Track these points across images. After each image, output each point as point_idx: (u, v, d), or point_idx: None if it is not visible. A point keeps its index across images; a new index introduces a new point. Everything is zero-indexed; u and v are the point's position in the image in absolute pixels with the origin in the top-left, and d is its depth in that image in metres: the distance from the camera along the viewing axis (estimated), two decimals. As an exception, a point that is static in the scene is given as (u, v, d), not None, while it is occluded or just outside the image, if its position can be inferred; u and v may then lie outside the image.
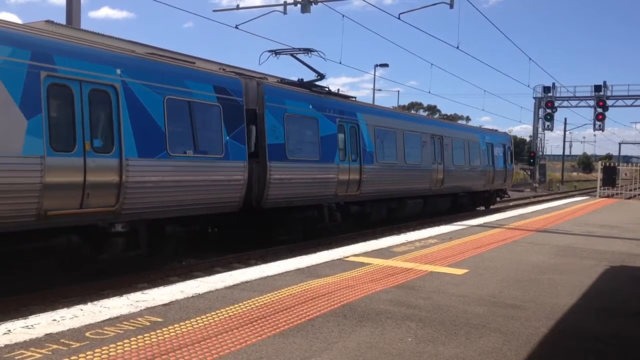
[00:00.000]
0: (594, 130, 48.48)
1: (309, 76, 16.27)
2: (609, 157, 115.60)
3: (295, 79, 16.16)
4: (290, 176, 13.75)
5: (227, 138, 11.96)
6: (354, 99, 18.27)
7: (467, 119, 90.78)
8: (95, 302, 5.71)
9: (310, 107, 14.92)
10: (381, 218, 18.48)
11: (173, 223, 11.15)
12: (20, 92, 8.27)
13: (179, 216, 11.10)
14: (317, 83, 16.20)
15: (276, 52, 15.86)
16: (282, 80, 15.87)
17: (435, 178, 21.04)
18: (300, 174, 14.12)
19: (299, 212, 14.59)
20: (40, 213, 8.47)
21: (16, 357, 4.07)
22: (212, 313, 5.40)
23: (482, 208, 26.62)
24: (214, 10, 74.12)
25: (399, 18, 20.56)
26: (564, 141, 74.81)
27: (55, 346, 4.31)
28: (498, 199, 28.89)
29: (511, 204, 30.26)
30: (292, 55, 16.14)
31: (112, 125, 9.61)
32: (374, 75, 48.31)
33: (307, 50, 15.69)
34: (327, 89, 16.50)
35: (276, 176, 13.20)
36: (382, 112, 19.61)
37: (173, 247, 11.59)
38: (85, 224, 9.38)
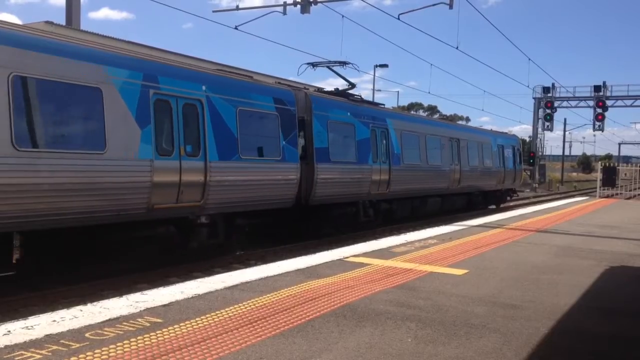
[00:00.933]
0: (594, 131, 48.43)
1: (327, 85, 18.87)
2: (608, 157, 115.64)
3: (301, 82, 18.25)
4: (333, 176, 15.31)
5: (284, 143, 13.71)
6: (382, 105, 20.28)
7: (467, 119, 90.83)
8: (95, 303, 5.71)
9: (348, 114, 16.61)
10: (406, 215, 19.87)
11: (241, 216, 13.02)
12: (135, 107, 10.12)
13: (245, 211, 12.95)
14: (349, 92, 18.00)
15: (314, 65, 17.49)
16: (320, 90, 17.64)
17: (453, 178, 22.43)
18: (341, 174, 15.69)
19: (339, 209, 16.11)
20: (149, 207, 10.35)
21: (16, 358, 4.07)
22: (212, 314, 5.40)
23: (494, 206, 27.88)
24: (213, 11, 74.23)
25: (398, 18, 20.59)
26: (564, 141, 74.93)
27: (55, 347, 4.31)
28: (508, 197, 30.20)
29: (511, 204, 30.58)
30: (328, 67, 17.75)
31: (199, 133, 11.45)
32: (374, 75, 48.28)
33: (343, 63, 17.40)
34: (360, 97, 18.13)
35: (322, 176, 14.78)
36: (407, 117, 22.30)
37: (241, 236, 13.47)
38: (179, 216, 11.32)
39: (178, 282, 7.90)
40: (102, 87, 9.62)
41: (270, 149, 13.37)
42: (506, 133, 31.73)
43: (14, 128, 8.28)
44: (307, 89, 16.24)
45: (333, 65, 17.64)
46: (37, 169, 8.60)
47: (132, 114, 10.07)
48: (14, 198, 8.28)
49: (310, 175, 14.49)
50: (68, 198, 9.05)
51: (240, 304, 5.77)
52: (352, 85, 18.17)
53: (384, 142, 17.94)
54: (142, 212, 10.30)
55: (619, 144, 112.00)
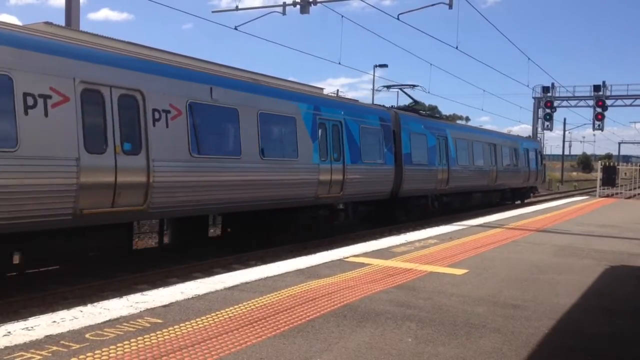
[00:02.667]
0: (594, 130, 48.48)
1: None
2: (608, 156, 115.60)
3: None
4: (414, 175, 19.79)
5: (385, 150, 18.28)
6: (443, 119, 25.48)
7: (467, 119, 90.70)
8: (95, 304, 5.71)
9: (422, 127, 21.04)
10: (457, 206, 24.16)
11: (361, 204, 17.90)
12: (310, 128, 14.77)
13: (362, 200, 17.64)
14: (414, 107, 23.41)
15: (388, 87, 24.77)
16: (394, 107, 21.71)
17: (491, 177, 26.90)
18: (419, 173, 20.18)
19: (416, 201, 20.78)
20: (316, 196, 14.94)
21: (16, 359, 4.07)
22: (212, 314, 5.40)
23: (519, 202, 31.90)
24: (213, 12, 74.17)
25: (397, 19, 20.60)
26: (564, 141, 74.96)
27: (55, 348, 4.31)
28: (531, 194, 34.83)
29: (510, 203, 31.35)
30: (400, 89, 23.92)
31: (340, 144, 15.97)
32: (373, 75, 48.28)
33: (413, 86, 23.47)
34: (425, 113, 23.27)
35: (407, 175, 19.31)
36: (459, 127, 27.46)
37: (359, 219, 18.31)
38: (329, 203, 15.99)
39: (178, 282, 7.89)
40: (296, 116, 14.34)
41: (378, 155, 17.91)
42: (530, 137, 38.55)
43: (261, 144, 13.04)
44: (393, 106, 21.79)
45: (404, 87, 23.32)
46: (267, 170, 13.23)
47: (309, 132, 14.71)
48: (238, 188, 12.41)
49: (399, 175, 18.87)
50: (276, 189, 13.46)
51: (240, 305, 5.76)
52: (416, 102, 24.08)
53: (445, 148, 22.24)
54: (312, 200, 14.87)
55: (619, 144, 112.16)
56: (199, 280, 7.06)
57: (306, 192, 14.45)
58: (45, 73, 8.81)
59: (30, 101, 8.54)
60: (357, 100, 19.81)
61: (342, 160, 15.87)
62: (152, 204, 10.25)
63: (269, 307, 5.69)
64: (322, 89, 39.98)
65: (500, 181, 27.92)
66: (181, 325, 5.01)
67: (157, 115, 10.50)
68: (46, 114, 8.72)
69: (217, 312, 5.46)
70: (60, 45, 9.37)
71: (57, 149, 8.84)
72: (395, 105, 23.85)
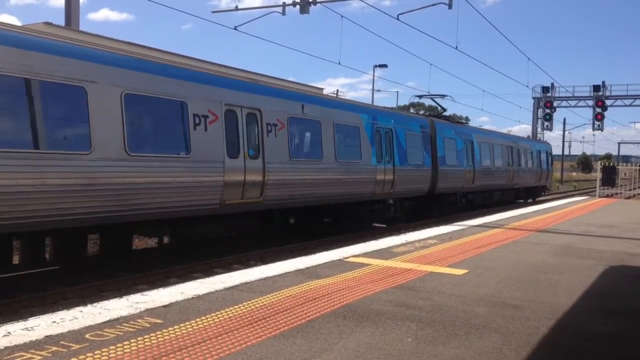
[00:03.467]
0: (593, 130, 48.51)
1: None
2: (608, 156, 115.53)
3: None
4: (447, 175, 22.71)
5: (424, 153, 21.24)
6: (467, 124, 27.55)
7: (467, 119, 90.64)
8: (95, 304, 5.71)
9: (452, 132, 23.98)
10: (480, 203, 26.95)
11: (406, 200, 20.71)
12: (369, 135, 17.72)
13: (406, 197, 20.45)
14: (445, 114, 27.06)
15: (420, 97, 30.10)
16: (431, 115, 25.69)
17: (509, 177, 29.68)
18: (451, 173, 23.15)
19: (448, 197, 23.80)
20: (374, 192, 17.99)
21: (16, 359, 4.07)
22: (212, 314, 5.40)
23: (530, 200, 34.13)
24: (212, 12, 74.19)
25: (397, 19, 20.61)
26: (563, 141, 74.97)
27: (55, 348, 4.31)
28: (543, 193, 37.90)
29: (523, 201, 33.18)
30: (431, 98, 27.54)
31: (391, 148, 18.96)
32: (373, 75, 48.29)
33: (443, 96, 27.23)
34: (453, 119, 26.92)
35: (442, 175, 22.23)
36: (483, 132, 29.58)
37: (405, 213, 21.06)
38: (382, 199, 18.80)
39: (178, 282, 7.90)
40: (359, 126, 17.29)
41: (419, 158, 20.86)
42: (541, 140, 42.39)
43: (336, 149, 15.99)
44: (430, 114, 26.07)
45: (435, 97, 27.01)
46: (340, 171, 16.02)
47: (368, 139, 17.65)
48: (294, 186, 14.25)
49: (435, 174, 21.81)
50: (346, 186, 16.36)
51: (240, 305, 5.77)
52: (445, 110, 27.41)
53: (471, 150, 25.11)
54: (370, 195, 17.89)
55: (619, 144, 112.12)
56: (198, 281, 7.06)
57: (367, 189, 17.70)
58: (205, 99, 11.76)
59: (197, 120, 11.48)
60: (403, 111, 24.63)
61: (392, 162, 18.89)
62: (265, 197, 13.24)
63: (268, 308, 5.69)
64: (321, 89, 39.96)
65: (516, 180, 30.86)
66: (181, 325, 5.01)
67: (269, 128, 13.45)
68: (205, 129, 11.64)
69: (217, 313, 5.46)
70: (215, 78, 12.56)
71: (212, 155, 11.74)
72: (395, 106, 24.59)
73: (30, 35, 9.14)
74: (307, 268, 7.85)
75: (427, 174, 21.28)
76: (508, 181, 29.48)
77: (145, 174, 10.30)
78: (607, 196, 31.82)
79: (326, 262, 8.35)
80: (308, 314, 5.49)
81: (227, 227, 13.56)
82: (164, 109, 11.00)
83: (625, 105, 48.16)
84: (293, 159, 14.17)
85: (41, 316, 5.23)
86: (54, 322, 4.97)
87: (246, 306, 5.73)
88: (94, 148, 9.36)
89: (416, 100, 29.20)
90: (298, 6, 20.89)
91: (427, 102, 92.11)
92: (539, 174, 34.81)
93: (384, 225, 19.37)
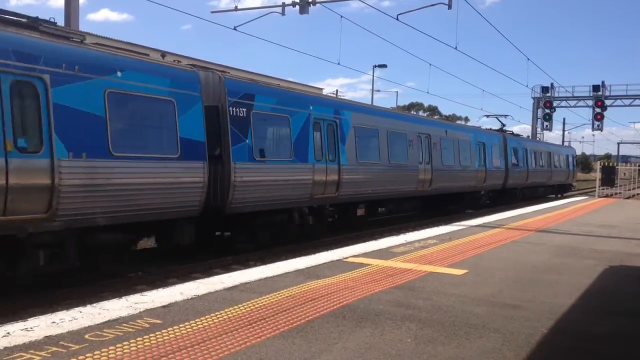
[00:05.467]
0: (593, 130, 48.50)
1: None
2: (607, 156, 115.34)
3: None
4: (514, 174, 30.20)
5: (501, 159, 28.22)
6: (511, 132, 34.00)
7: (466, 119, 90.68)
8: (95, 304, 5.71)
9: (516, 143, 31.28)
10: (529, 196, 33.52)
11: (490, 192, 28.08)
12: (474, 146, 25.40)
13: (491, 189, 27.49)
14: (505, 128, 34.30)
15: (488, 116, 36.42)
16: (505, 132, 32.51)
17: (549, 176, 37.40)
18: (516, 173, 30.53)
19: (513, 191, 30.89)
20: (475, 186, 25.43)
21: (15, 359, 4.06)
22: (212, 315, 5.40)
23: (560, 195, 40.25)
24: (212, 12, 74.21)
25: (397, 19, 20.60)
26: (563, 141, 74.88)
27: (54, 348, 4.31)
28: (571, 188, 45.45)
29: (554, 196, 38.90)
30: (496, 117, 35.10)
31: (484, 156, 26.09)
32: (373, 76, 48.25)
33: (505, 115, 35.42)
34: (512, 132, 34.32)
35: (511, 174, 29.63)
36: (533, 142, 38.42)
37: (491, 201, 28.53)
38: (478, 191, 25.94)
39: (177, 283, 7.89)
40: (469, 140, 24.61)
41: (499, 162, 28.17)
42: (568, 146, 53.21)
43: (391, 154, 18.72)
44: (504, 130, 33.10)
45: (499, 117, 34.78)
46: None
47: (474, 149, 24.93)
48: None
49: (506, 174, 29.15)
50: (397, 184, 19.13)
51: (239, 305, 5.76)
52: (504, 125, 34.60)
53: (525, 156, 32.18)
54: (473, 188, 25.11)
55: (618, 144, 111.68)
56: (198, 281, 7.06)
57: (471, 184, 25.14)
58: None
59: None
60: (491, 128, 31.26)
61: (484, 165, 26.22)
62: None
63: (268, 308, 5.69)
64: (321, 89, 40.03)
65: (553, 179, 38.85)
66: (180, 326, 5.00)
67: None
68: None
69: (217, 313, 5.46)
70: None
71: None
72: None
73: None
74: (306, 268, 7.85)
75: (503, 174, 28.71)
76: (547, 179, 37.48)
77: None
78: (607, 196, 31.82)
79: (326, 262, 8.35)
80: (308, 314, 5.49)
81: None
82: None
83: (625, 105, 48.15)
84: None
85: (41, 316, 5.23)
86: (54, 322, 4.97)
87: (246, 306, 5.72)
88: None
89: (484, 118, 41.52)
90: (297, 6, 20.87)
91: (426, 102, 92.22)
92: (567, 174, 43.05)
93: (471, 211, 25.26)
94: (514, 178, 30.25)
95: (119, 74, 9.79)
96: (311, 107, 14.77)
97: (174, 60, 13.16)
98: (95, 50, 9.80)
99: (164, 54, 13.14)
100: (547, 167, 36.91)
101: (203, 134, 11.25)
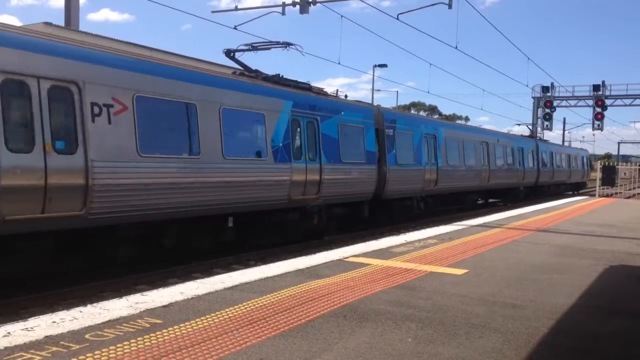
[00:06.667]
0: (593, 130, 48.36)
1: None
2: (608, 156, 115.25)
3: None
4: (544, 174, 35.69)
5: (532, 160, 33.44)
6: (539, 138, 40.16)
7: (466, 119, 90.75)
8: (95, 304, 5.71)
9: (545, 147, 36.90)
10: (554, 192, 39.04)
11: (525, 188, 33.15)
12: (517, 150, 31.46)
13: (528, 186, 33.39)
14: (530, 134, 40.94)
15: (519, 124, 48.12)
16: (535, 138, 39.22)
17: (568, 175, 42.85)
18: (546, 172, 36.12)
19: (541, 188, 36.40)
20: (519, 183, 31.67)
21: (16, 359, 4.07)
22: (212, 314, 5.40)
23: (575, 192, 45.12)
24: (212, 12, 74.17)
25: (397, 18, 20.60)
26: (563, 141, 74.81)
27: (54, 348, 4.31)
28: (586, 186, 50.80)
29: (571, 192, 43.31)
30: (527, 126, 46.07)
31: (522, 159, 31.91)
32: (373, 75, 48.33)
33: (531, 129, 43.59)
34: (539, 137, 40.43)
35: (542, 173, 35.12)
36: (557, 146, 43.44)
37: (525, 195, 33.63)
38: (518, 186, 32.42)
39: (178, 283, 7.89)
40: (523, 148, 32.48)
41: (531, 164, 33.39)
42: (582, 148, 60.04)
43: (466, 159, 24.35)
44: (538, 136, 42.07)
45: (528, 125, 44.21)
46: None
47: (527, 154, 32.91)
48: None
49: (538, 174, 34.54)
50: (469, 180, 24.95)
51: (240, 305, 5.76)
52: (532, 132, 41.57)
53: (551, 158, 37.41)
54: (515, 184, 31.32)
55: (619, 143, 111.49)
56: (198, 281, 7.06)
57: (514, 181, 30.31)
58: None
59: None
60: (525, 135, 37.94)
61: (523, 166, 31.55)
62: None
63: (268, 308, 5.69)
64: (321, 89, 39.93)
65: (572, 178, 44.58)
66: (181, 325, 5.00)
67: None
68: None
69: (217, 313, 5.46)
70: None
71: (420, 162, 20.13)
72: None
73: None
74: (307, 268, 7.85)
75: (535, 172, 34.28)
76: (567, 178, 43.12)
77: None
78: (607, 196, 31.82)
79: (326, 262, 8.35)
80: (308, 314, 5.49)
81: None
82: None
83: (625, 105, 48.04)
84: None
85: (41, 316, 5.23)
86: (54, 322, 4.97)
87: (246, 306, 5.72)
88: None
89: (516, 126, 39.12)
90: (298, 6, 20.87)
91: (428, 102, 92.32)
92: (583, 173, 48.61)
93: (504, 204, 29.95)
94: (544, 177, 36.03)
95: (342, 113, 16.23)
96: (422, 126, 21.32)
97: (345, 96, 23.83)
98: (334, 100, 17.05)
99: (346, 95, 22.52)
100: (567, 168, 42.78)
101: (375, 147, 17.54)
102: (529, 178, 32.93)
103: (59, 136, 8.91)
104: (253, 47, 15.49)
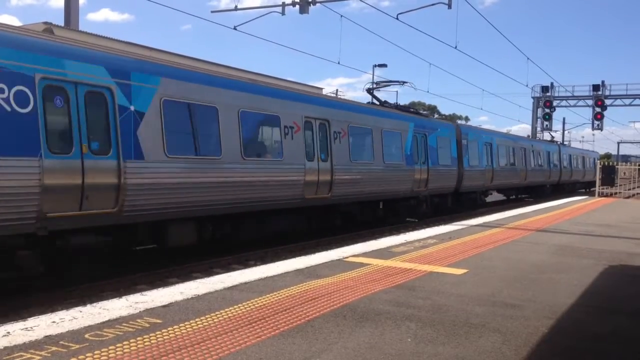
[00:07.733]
0: (593, 130, 48.56)
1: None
2: (607, 156, 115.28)
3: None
4: (564, 173, 41.35)
5: (555, 162, 39.46)
6: (558, 142, 45.17)
7: (466, 118, 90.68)
8: (95, 304, 5.71)
9: (564, 150, 42.18)
10: (571, 189, 44.03)
11: (551, 185, 39.96)
12: (546, 154, 37.90)
13: (552, 184, 39.42)
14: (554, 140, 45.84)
15: (550, 130, 50.56)
16: (557, 142, 44.69)
17: (582, 174, 46.86)
18: (566, 172, 41.61)
19: (563, 186, 41.60)
20: (547, 180, 38.31)
21: (15, 359, 4.06)
22: (212, 314, 5.40)
23: (587, 190, 47.97)
24: (212, 12, 74.07)
25: (397, 18, 20.61)
26: (563, 141, 74.75)
27: (54, 348, 4.31)
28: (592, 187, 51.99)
29: (583, 190, 46.48)
30: (549, 132, 50.10)
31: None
32: (373, 75, 48.21)
33: (552, 137, 47.69)
34: (559, 142, 46.33)
35: (563, 173, 40.97)
36: (573, 149, 48.79)
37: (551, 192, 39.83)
38: (555, 184, 40.72)
39: (177, 282, 7.90)
40: (549, 151, 38.63)
41: (554, 165, 38.53)
42: (593, 151, 64.55)
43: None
44: (555, 141, 45.71)
45: (551, 132, 49.17)
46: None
47: (556, 157, 39.60)
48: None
49: (559, 173, 39.85)
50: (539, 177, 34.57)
51: (239, 305, 5.77)
52: (553, 137, 47.08)
53: (570, 160, 42.45)
54: (543, 181, 37.44)
55: (618, 143, 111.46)
56: (198, 281, 7.06)
57: (542, 179, 35.70)
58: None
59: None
60: (554, 140, 44.05)
61: (549, 167, 36.79)
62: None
63: (268, 307, 5.69)
64: (321, 89, 40.04)
65: (586, 177, 48.39)
66: (180, 325, 5.01)
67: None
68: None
69: (217, 313, 5.46)
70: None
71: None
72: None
73: None
74: (306, 268, 7.85)
75: (557, 173, 39.21)
76: (581, 177, 47.42)
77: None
78: (607, 196, 31.82)
79: (326, 262, 8.35)
80: (308, 314, 5.49)
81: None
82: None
83: (625, 105, 48.19)
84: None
85: (41, 316, 5.23)
86: (54, 322, 4.97)
87: (246, 306, 5.72)
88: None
89: (515, 126, 43.62)
90: (297, 6, 20.87)
91: (427, 101, 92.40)
92: (594, 173, 50.52)
93: (531, 199, 34.63)
94: (564, 176, 41.48)
95: (438, 130, 21.71)
96: (484, 136, 26.51)
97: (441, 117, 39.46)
98: (435, 121, 22.97)
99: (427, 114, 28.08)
100: (582, 168, 47.70)
101: (456, 153, 22.97)
102: (553, 177, 38.77)
103: (94, 138, 9.37)
104: (377, 84, 24.44)
